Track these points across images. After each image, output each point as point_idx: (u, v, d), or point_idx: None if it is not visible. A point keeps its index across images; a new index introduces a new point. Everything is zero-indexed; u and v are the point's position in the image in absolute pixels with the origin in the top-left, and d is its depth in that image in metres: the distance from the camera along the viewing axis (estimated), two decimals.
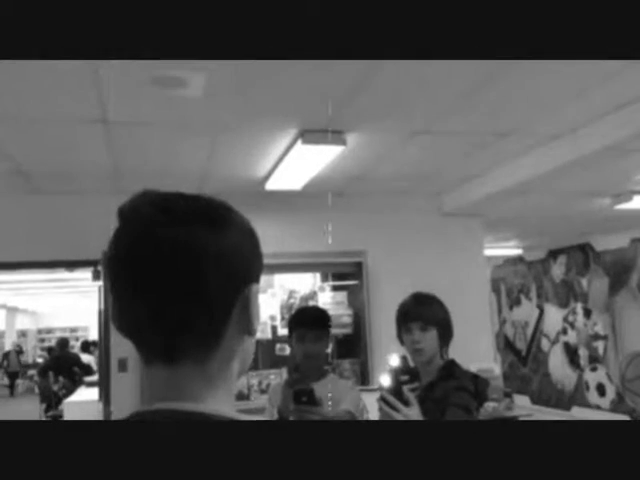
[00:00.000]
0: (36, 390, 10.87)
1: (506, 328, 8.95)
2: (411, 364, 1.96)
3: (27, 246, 4.16)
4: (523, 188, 4.10)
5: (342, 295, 4.82)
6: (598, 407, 7.22)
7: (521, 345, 8.65)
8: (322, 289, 4.88)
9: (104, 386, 4.18)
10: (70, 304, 16.47)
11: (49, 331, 18.75)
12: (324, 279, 4.96)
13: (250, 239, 0.77)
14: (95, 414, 4.35)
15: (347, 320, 4.72)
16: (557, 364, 7.94)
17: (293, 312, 2.69)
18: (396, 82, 2.59)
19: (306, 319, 2.40)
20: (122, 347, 3.86)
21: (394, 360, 1.70)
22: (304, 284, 4.89)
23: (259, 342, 4.44)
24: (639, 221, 5.91)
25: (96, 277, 4.51)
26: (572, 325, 7.69)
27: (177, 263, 0.69)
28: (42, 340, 18.51)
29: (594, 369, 7.32)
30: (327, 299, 4.78)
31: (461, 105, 2.90)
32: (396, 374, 1.66)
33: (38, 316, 18.92)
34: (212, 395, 0.72)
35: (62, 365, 9.18)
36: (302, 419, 1.87)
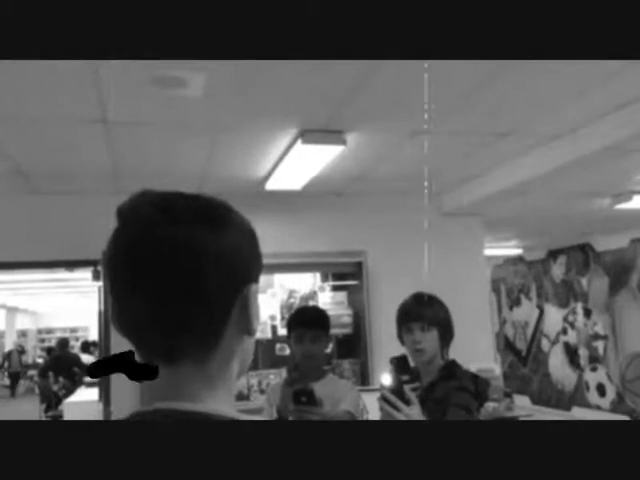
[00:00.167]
0: (36, 390, 10.88)
1: (506, 328, 8.95)
2: (412, 364, 1.96)
3: (27, 246, 4.15)
4: (523, 188, 4.10)
5: (342, 295, 4.82)
6: (598, 407, 7.22)
7: (521, 345, 8.65)
8: (322, 289, 4.88)
9: (104, 386, 4.17)
10: (70, 304, 16.47)
11: (49, 331, 18.76)
12: (324, 279, 4.96)
13: (249, 239, 0.77)
14: (95, 414, 4.35)
15: (347, 320, 4.72)
16: (557, 364, 7.94)
17: (292, 312, 2.68)
18: (396, 82, 2.59)
19: (304, 319, 2.40)
20: (122, 347, 3.83)
21: (395, 360, 1.70)
22: (304, 284, 4.89)
23: (259, 342, 4.44)
24: (639, 221, 5.91)
25: (96, 277, 4.51)
26: (572, 325, 7.69)
27: (176, 263, 0.69)
28: (42, 340, 18.52)
29: (594, 369, 7.33)
30: (327, 299, 4.78)
31: (461, 105, 2.90)
32: (397, 374, 1.66)
33: (38, 316, 18.92)
34: (212, 395, 0.72)
35: (62, 365, 9.19)
36: (301, 419, 1.87)
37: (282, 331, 4.50)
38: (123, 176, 3.89)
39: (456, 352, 2.11)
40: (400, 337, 2.11)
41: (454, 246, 4.92)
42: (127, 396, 3.93)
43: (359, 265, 4.67)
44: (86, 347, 11.49)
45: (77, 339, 15.96)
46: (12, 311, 17.39)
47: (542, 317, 8.25)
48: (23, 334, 18.51)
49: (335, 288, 4.90)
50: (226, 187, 4.12)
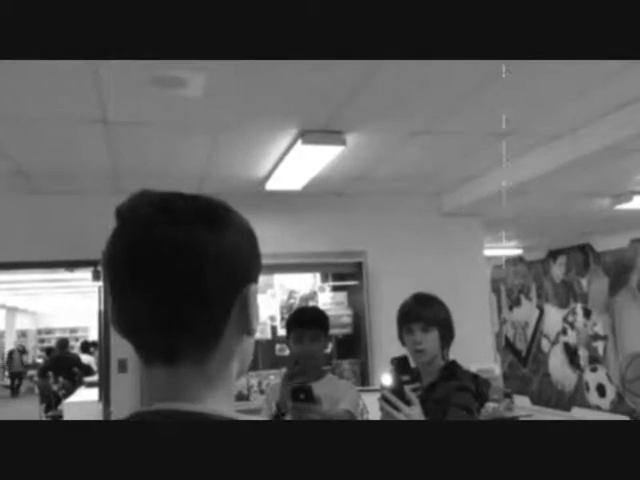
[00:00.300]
0: (36, 390, 10.87)
1: (506, 328, 8.95)
2: (412, 364, 1.96)
3: (27, 246, 4.16)
4: (523, 188, 4.10)
5: (342, 295, 4.82)
6: (598, 408, 7.22)
7: (521, 345, 8.65)
8: (322, 289, 4.88)
9: (104, 387, 4.18)
10: (70, 304, 16.46)
11: (49, 331, 18.74)
12: (324, 279, 4.96)
13: (249, 239, 0.77)
14: (95, 414, 4.35)
15: (347, 320, 4.72)
16: (557, 364, 7.94)
17: (291, 312, 2.68)
18: (396, 82, 2.59)
19: (304, 319, 2.40)
20: (122, 348, 3.86)
21: (395, 360, 1.70)
22: (304, 284, 4.89)
23: (259, 342, 4.44)
24: (639, 221, 5.91)
25: (96, 277, 4.51)
26: (572, 325, 7.70)
27: (176, 263, 0.69)
28: (42, 340, 18.50)
29: (594, 370, 7.32)
30: (327, 299, 4.78)
31: (461, 105, 2.90)
32: (397, 374, 1.66)
33: (38, 316, 18.91)
34: (212, 395, 0.72)
35: (62, 365, 9.18)
36: (300, 416, 1.87)
37: (282, 331, 4.50)
38: (123, 176, 3.90)
39: (456, 352, 2.11)
40: (401, 337, 2.11)
41: (454, 246, 4.92)
42: (127, 397, 3.94)
43: (359, 265, 4.67)
44: (86, 347, 11.47)
45: (77, 339, 15.94)
46: (12, 311, 17.38)
47: (542, 317, 8.25)
48: (23, 334, 18.50)
49: (335, 288, 4.90)
50: (226, 187, 4.12)
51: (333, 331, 4.53)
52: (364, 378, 4.55)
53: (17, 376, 15.01)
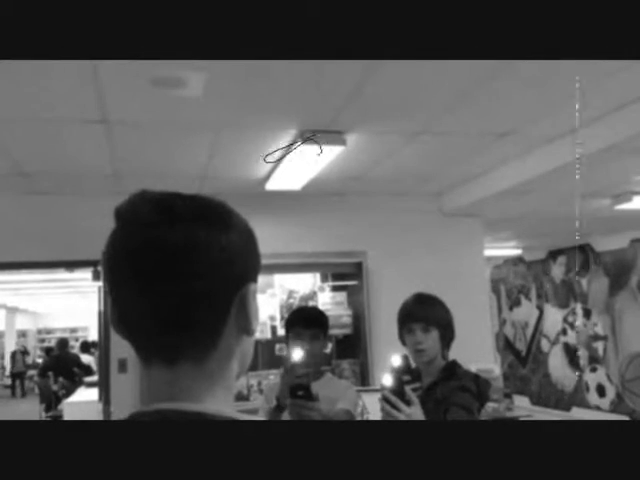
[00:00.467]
0: (36, 390, 10.87)
1: (506, 329, 8.95)
2: (413, 364, 1.96)
3: (27, 246, 4.16)
4: (523, 188, 4.10)
5: (342, 295, 4.82)
6: (598, 408, 7.22)
7: (521, 346, 8.64)
8: (322, 289, 4.88)
9: (104, 386, 4.18)
10: (70, 305, 16.46)
11: (49, 332, 18.74)
12: (324, 279, 4.96)
13: (248, 239, 0.77)
14: (95, 414, 4.35)
15: (347, 320, 4.72)
16: (557, 365, 7.93)
17: (290, 312, 2.68)
18: (396, 82, 2.59)
19: (304, 318, 2.40)
20: (122, 348, 3.85)
21: (396, 360, 1.70)
22: (304, 284, 4.89)
23: (258, 342, 4.44)
24: (639, 222, 5.90)
25: (96, 277, 4.51)
26: (572, 326, 7.69)
27: (175, 263, 0.69)
28: (42, 340, 18.50)
29: (594, 370, 7.32)
30: (327, 299, 4.78)
31: (461, 105, 2.90)
32: (398, 374, 1.66)
33: (38, 316, 18.91)
34: (211, 395, 0.72)
35: (62, 365, 9.18)
36: (298, 413, 1.87)
37: (282, 331, 4.50)
38: (123, 176, 3.90)
39: (456, 352, 2.11)
40: (401, 337, 2.11)
41: (454, 246, 4.92)
42: (127, 397, 3.94)
43: (359, 265, 4.67)
44: (85, 347, 11.48)
45: (77, 339, 15.94)
46: (12, 311, 17.38)
47: (542, 317, 8.24)
48: (23, 334, 18.50)
49: (335, 288, 4.90)
50: (226, 187, 4.12)
51: (333, 331, 4.54)
52: (364, 378, 4.55)
53: (20, 376, 15.01)
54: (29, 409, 10.54)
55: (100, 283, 4.31)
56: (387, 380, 1.65)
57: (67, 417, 6.25)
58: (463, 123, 3.17)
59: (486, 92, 2.73)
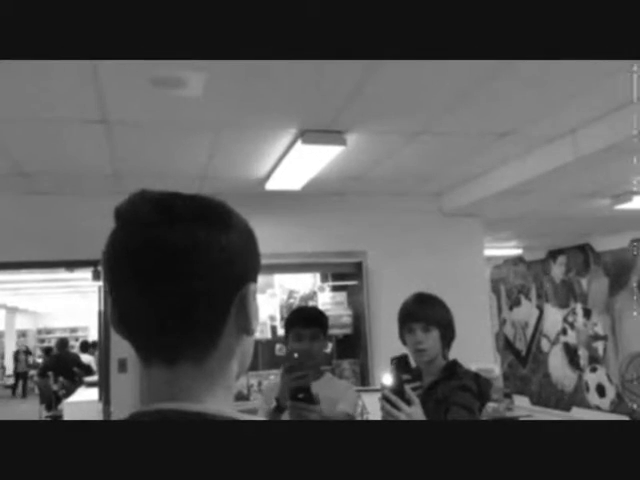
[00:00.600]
0: (36, 390, 10.87)
1: (506, 328, 8.95)
2: (413, 364, 1.96)
3: (27, 246, 4.16)
4: (523, 188, 4.10)
5: (342, 295, 4.82)
6: (598, 408, 7.22)
7: (521, 346, 8.65)
8: (322, 289, 4.88)
9: (104, 386, 4.18)
10: (70, 304, 16.46)
11: (49, 331, 18.75)
12: (324, 279, 4.96)
13: (248, 239, 0.77)
14: (95, 414, 4.35)
15: (347, 320, 4.72)
16: (557, 365, 7.93)
17: (290, 311, 2.68)
18: (396, 82, 2.59)
19: (304, 317, 2.40)
20: (122, 347, 3.85)
21: (396, 360, 1.71)
22: (304, 284, 4.89)
23: (259, 342, 4.44)
24: (639, 222, 5.90)
25: (96, 277, 4.51)
26: (572, 325, 7.70)
27: (175, 263, 0.69)
28: (42, 340, 18.50)
29: (594, 370, 7.33)
30: (327, 299, 4.78)
31: (461, 105, 2.90)
32: (398, 373, 1.66)
33: (38, 316, 18.91)
34: (212, 395, 0.72)
35: (62, 365, 9.18)
36: (298, 415, 1.87)
37: (282, 331, 4.50)
38: (123, 176, 3.90)
39: (455, 352, 2.11)
40: (402, 337, 2.11)
41: (454, 246, 4.92)
42: (127, 396, 3.94)
43: (359, 265, 4.67)
44: (85, 347, 11.48)
45: (77, 339, 15.95)
46: (12, 311, 17.38)
47: (542, 317, 8.25)
48: (23, 334, 18.50)
49: (335, 288, 4.90)
50: (226, 187, 4.12)
51: (333, 331, 4.54)
52: (364, 378, 4.55)
53: (22, 376, 14.99)
54: (29, 409, 10.54)
55: (100, 283, 4.31)
56: (387, 379, 1.65)
57: (67, 417, 6.25)
58: (463, 123, 3.17)
59: (486, 92, 2.73)
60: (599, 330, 7.25)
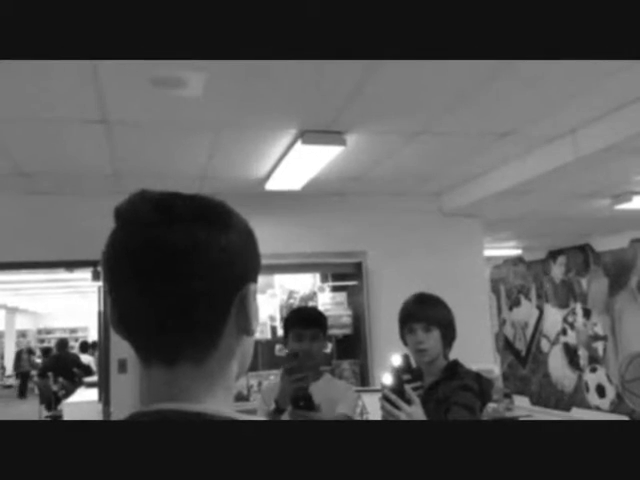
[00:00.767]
0: (36, 390, 10.87)
1: (506, 329, 8.95)
2: (414, 364, 1.96)
3: (27, 246, 4.16)
4: (523, 188, 4.10)
5: (342, 296, 4.82)
6: (598, 408, 7.22)
7: (521, 346, 8.65)
8: (322, 289, 4.88)
9: (104, 387, 4.18)
10: (70, 305, 16.46)
11: (49, 332, 18.74)
12: (324, 280, 4.96)
13: (248, 239, 0.77)
14: (95, 415, 4.35)
15: (347, 321, 4.72)
16: (557, 365, 7.93)
17: (289, 312, 2.67)
18: (396, 82, 2.59)
19: (304, 318, 2.39)
20: (122, 348, 3.85)
21: (396, 359, 1.70)
22: (304, 284, 4.89)
23: (258, 342, 4.44)
24: (639, 222, 5.91)
25: (96, 277, 4.51)
26: (572, 326, 7.69)
27: (175, 263, 0.69)
28: (42, 341, 18.49)
29: (594, 370, 7.32)
30: (327, 299, 4.78)
31: (461, 105, 2.90)
32: (398, 373, 1.66)
33: (38, 316, 18.91)
34: (211, 395, 0.72)
35: (61, 366, 9.18)
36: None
37: (282, 332, 4.50)
38: (123, 176, 3.90)
39: (455, 353, 2.11)
40: (403, 337, 2.11)
41: (454, 246, 4.92)
42: (127, 397, 3.93)
43: (359, 266, 4.67)
44: (85, 348, 11.48)
45: (77, 339, 15.95)
46: (12, 311, 17.38)
47: (542, 318, 8.25)
48: (23, 334, 18.50)
49: (335, 289, 4.90)
50: (226, 187, 4.12)
51: (333, 331, 4.54)
52: (364, 378, 4.55)
53: (25, 376, 14.96)
54: (29, 409, 10.54)
55: (100, 283, 4.31)
56: (387, 379, 1.65)
57: (67, 417, 6.25)
58: (463, 123, 3.17)
59: (486, 92, 2.73)
60: (599, 330, 7.25)
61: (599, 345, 7.25)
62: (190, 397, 0.70)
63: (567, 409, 7.67)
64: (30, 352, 15.96)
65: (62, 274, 7.38)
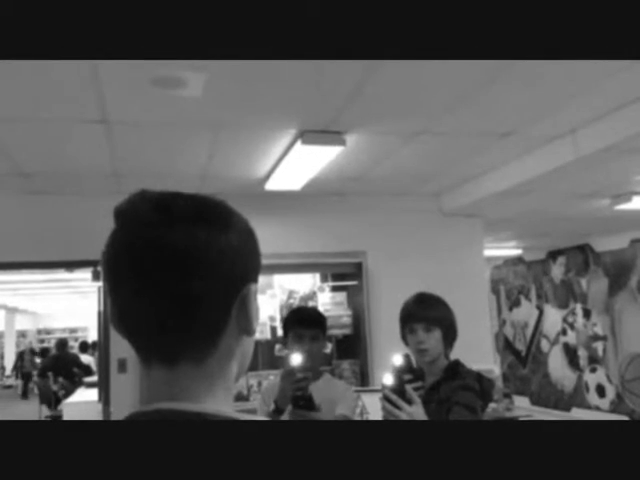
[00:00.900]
0: (35, 390, 10.87)
1: (506, 329, 8.95)
2: (414, 364, 1.96)
3: (27, 246, 4.15)
4: (523, 188, 4.10)
5: (342, 296, 4.82)
6: (598, 408, 7.22)
7: (521, 346, 8.64)
8: (322, 289, 4.88)
9: (104, 387, 4.18)
10: (70, 305, 16.46)
11: (48, 332, 18.74)
12: (323, 280, 4.96)
13: (248, 238, 0.76)
14: (95, 415, 4.35)
15: (346, 321, 4.72)
16: (557, 365, 7.93)
17: (289, 312, 2.67)
18: (396, 82, 2.59)
19: (304, 318, 2.39)
20: (122, 348, 3.85)
21: (397, 359, 1.70)
22: (303, 284, 4.89)
23: (258, 342, 4.44)
24: (639, 222, 5.90)
25: (96, 277, 4.51)
26: (572, 326, 7.69)
27: (175, 263, 0.69)
28: (42, 341, 18.50)
29: (594, 370, 7.32)
30: (326, 299, 4.78)
31: (461, 105, 2.90)
32: (399, 373, 1.66)
33: (38, 317, 18.91)
34: (211, 395, 0.72)
35: (61, 366, 9.18)
36: None
37: (281, 332, 4.50)
38: (123, 176, 3.90)
39: (455, 353, 2.11)
40: (403, 337, 2.11)
41: (454, 246, 4.92)
42: (127, 397, 3.93)
43: (359, 266, 4.67)
44: (84, 348, 11.47)
45: (76, 340, 15.94)
46: (12, 311, 17.38)
47: (542, 318, 8.24)
48: (22, 335, 18.49)
49: (335, 289, 4.90)
50: (226, 187, 4.12)
51: (333, 331, 4.54)
52: (364, 378, 4.55)
53: (28, 377, 14.94)
54: (29, 409, 10.54)
55: (100, 283, 4.31)
56: (388, 379, 1.65)
57: (67, 417, 6.24)
58: (463, 123, 3.17)
59: (486, 92, 2.73)
60: (599, 330, 7.25)
61: (599, 345, 7.25)
62: (190, 397, 0.70)
63: (567, 409, 7.67)
64: (33, 353, 15.95)
65: (62, 274, 7.38)
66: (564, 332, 7.82)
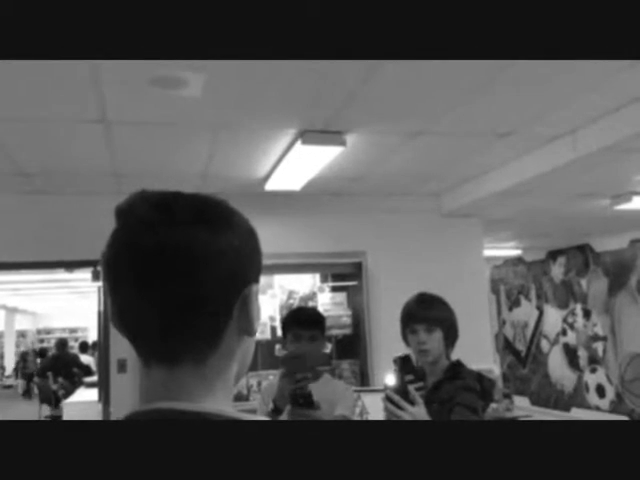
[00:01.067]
0: (35, 391, 10.87)
1: (506, 329, 8.95)
2: (415, 364, 1.96)
3: (27, 246, 4.15)
4: (523, 188, 4.10)
5: (341, 296, 4.82)
6: (597, 408, 7.22)
7: (520, 346, 8.65)
8: (321, 290, 4.88)
9: (103, 387, 4.18)
10: (69, 305, 16.45)
11: (48, 332, 18.74)
12: (323, 280, 4.96)
13: (250, 238, 0.76)
14: (95, 415, 4.35)
15: (346, 321, 4.72)
16: (556, 365, 7.93)
17: (288, 312, 2.66)
18: (396, 83, 2.59)
19: (303, 319, 2.39)
20: (122, 348, 3.85)
21: (390, 379, 1.70)
22: (303, 285, 4.89)
23: (259, 343, 4.44)
24: (639, 222, 5.90)
25: (95, 278, 4.52)
26: (571, 326, 7.69)
27: (176, 263, 0.69)
28: (41, 341, 18.49)
29: (593, 370, 7.32)
30: (326, 300, 4.78)
31: (461, 105, 2.90)
32: (401, 373, 1.66)
33: (37, 317, 18.91)
34: (211, 395, 0.71)
35: (61, 366, 9.18)
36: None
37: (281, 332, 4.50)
38: (123, 176, 3.89)
39: (455, 353, 2.11)
40: (404, 338, 2.11)
41: (454, 246, 4.92)
42: (126, 397, 3.93)
43: (359, 266, 4.67)
44: (84, 348, 11.47)
45: (76, 340, 15.94)
46: (12, 311, 17.38)
47: (541, 318, 8.24)
48: (22, 334, 18.49)
49: (334, 289, 4.90)
50: (226, 187, 4.12)
51: (332, 331, 4.55)
52: (363, 378, 4.55)
53: (30, 377, 14.92)
54: (30, 409, 10.54)
55: (100, 283, 4.31)
56: (390, 380, 1.65)
57: (67, 417, 6.24)
58: (463, 123, 3.17)
59: (486, 92, 2.73)
60: (599, 331, 7.25)
61: (599, 345, 7.25)
62: (190, 396, 0.70)
63: (567, 409, 7.67)
64: (36, 353, 15.93)
65: (62, 274, 7.38)
66: (564, 332, 7.82)
